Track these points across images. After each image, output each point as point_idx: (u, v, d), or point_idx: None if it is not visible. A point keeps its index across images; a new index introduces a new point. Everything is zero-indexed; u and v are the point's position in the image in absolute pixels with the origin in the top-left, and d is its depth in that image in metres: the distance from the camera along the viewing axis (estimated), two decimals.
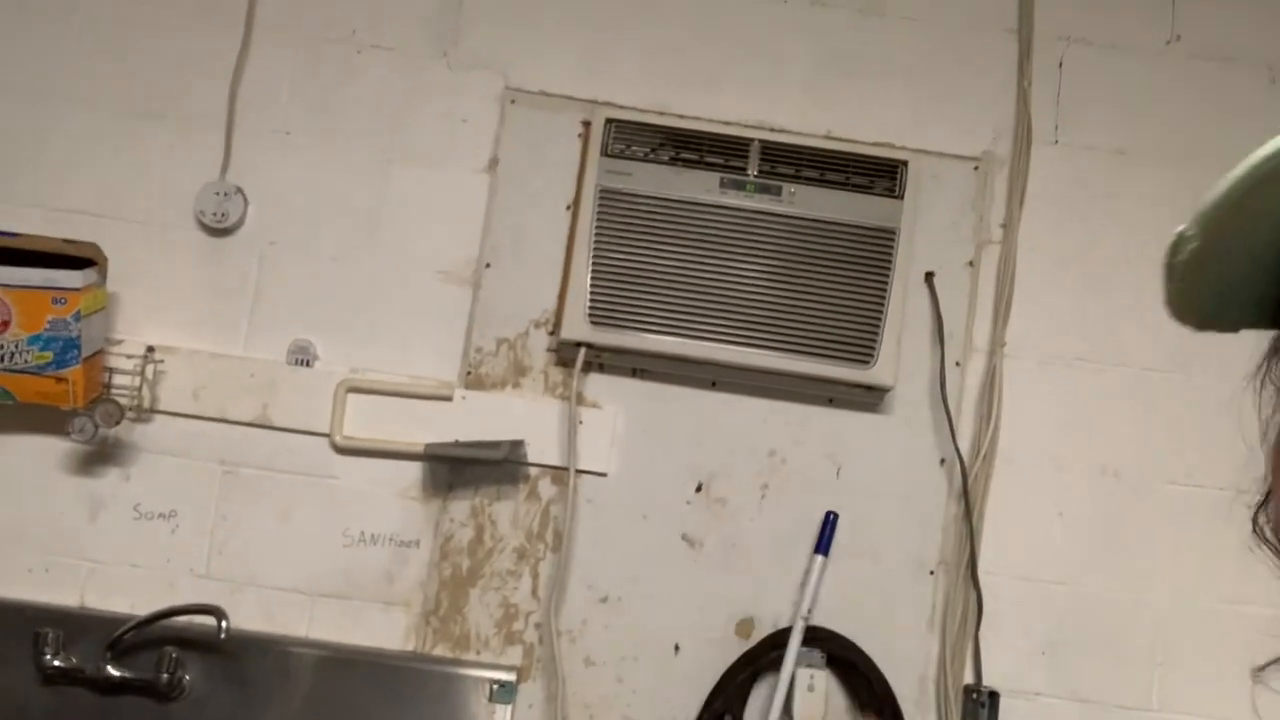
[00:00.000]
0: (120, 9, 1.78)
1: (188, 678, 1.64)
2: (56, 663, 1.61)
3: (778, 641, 1.69)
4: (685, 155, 1.69)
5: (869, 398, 1.74)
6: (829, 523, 1.72)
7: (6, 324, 1.57)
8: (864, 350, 1.67)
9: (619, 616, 1.73)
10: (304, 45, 1.79)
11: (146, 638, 1.62)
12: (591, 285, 1.67)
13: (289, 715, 1.64)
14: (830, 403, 1.76)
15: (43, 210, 1.73)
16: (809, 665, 1.66)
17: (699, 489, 1.75)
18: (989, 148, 1.81)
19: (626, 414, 1.75)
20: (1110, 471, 1.76)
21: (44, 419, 1.67)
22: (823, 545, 1.71)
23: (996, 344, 1.77)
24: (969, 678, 1.71)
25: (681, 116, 1.74)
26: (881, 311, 1.68)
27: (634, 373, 1.76)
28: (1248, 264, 0.48)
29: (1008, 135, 1.81)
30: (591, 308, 1.67)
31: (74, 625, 1.64)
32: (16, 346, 1.58)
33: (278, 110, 1.78)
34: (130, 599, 1.68)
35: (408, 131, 1.78)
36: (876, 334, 1.67)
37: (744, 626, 1.73)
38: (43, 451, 1.71)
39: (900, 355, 1.69)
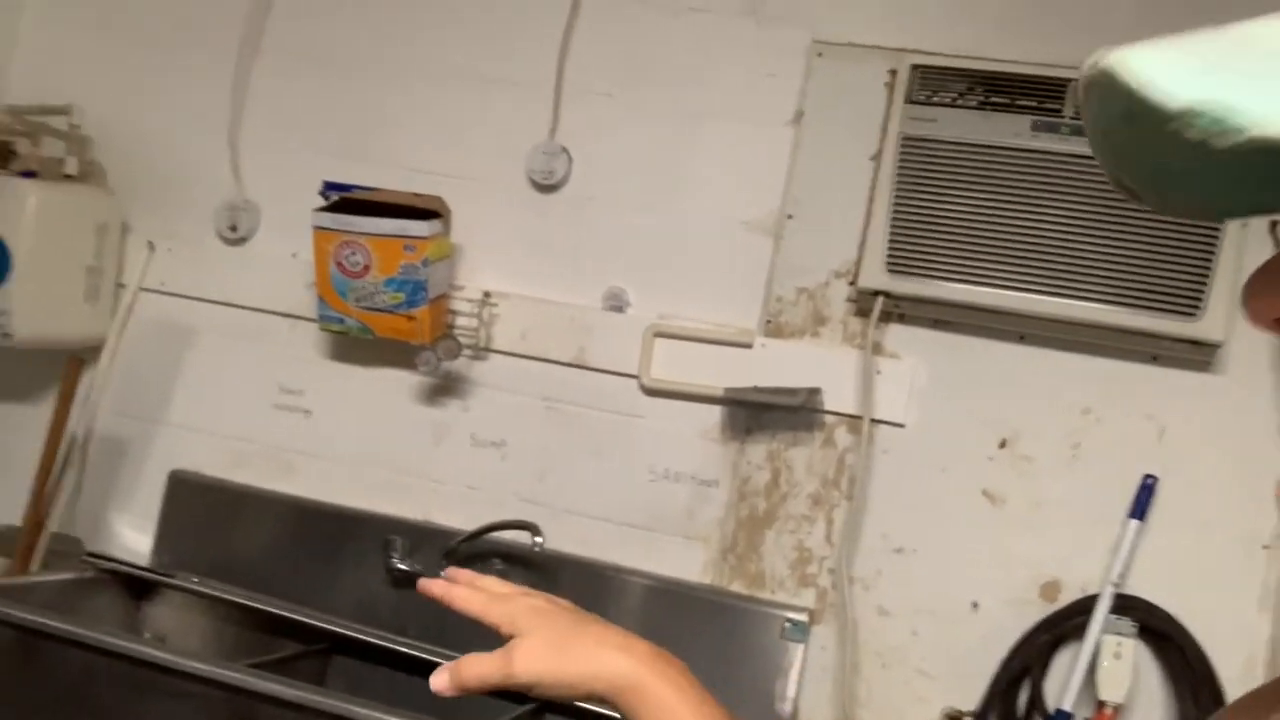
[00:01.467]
0: None
1: None
2: (402, 566, 1.84)
3: (1084, 607, 1.62)
4: (994, 99, 1.64)
5: (1197, 354, 1.61)
6: (1146, 487, 1.62)
7: (367, 268, 1.80)
8: (1189, 301, 1.55)
9: (914, 569, 1.72)
10: (625, 10, 1.89)
11: (477, 549, 1.81)
12: (891, 233, 1.66)
13: None
14: (1154, 360, 1.65)
15: (395, 169, 1.95)
16: (1117, 633, 1.57)
17: (1002, 445, 1.70)
18: None
19: (927, 366, 1.73)
20: None
21: (396, 354, 1.90)
22: (1138, 510, 1.61)
23: None
24: None
25: (990, 60, 1.68)
26: (1212, 260, 1.54)
27: (935, 324, 1.73)
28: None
29: None
30: (890, 256, 1.66)
31: (417, 535, 1.87)
32: (375, 288, 1.81)
33: (601, 74, 1.90)
34: (465, 516, 1.88)
35: (716, 88, 1.84)
36: (1205, 283, 1.54)
37: (1049, 590, 1.67)
38: (396, 383, 1.95)
39: (1234, 309, 1.55)
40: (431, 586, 0.72)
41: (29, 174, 1.90)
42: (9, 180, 1.88)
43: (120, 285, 2.04)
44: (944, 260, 1.64)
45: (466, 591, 0.70)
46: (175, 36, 2.09)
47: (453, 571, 0.74)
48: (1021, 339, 1.70)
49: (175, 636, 1.91)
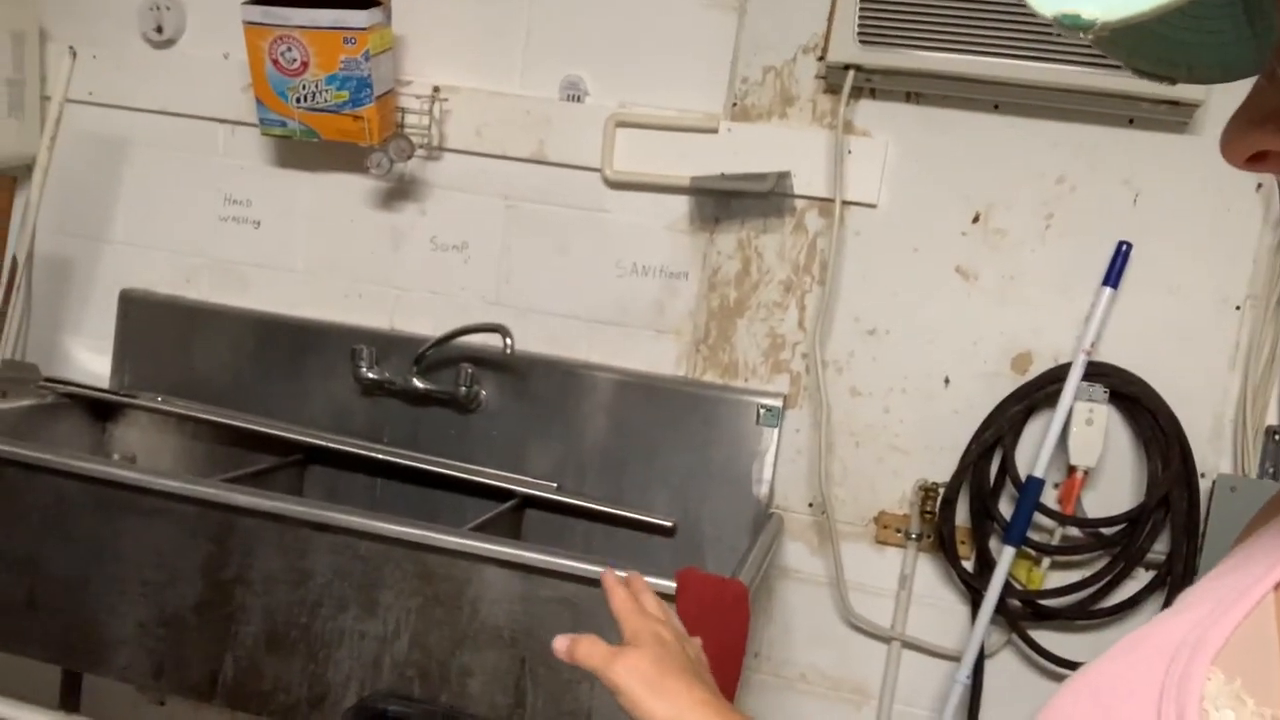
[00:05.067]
0: None
1: (483, 393, 1.80)
2: (371, 375, 1.81)
3: (1056, 375, 1.62)
4: None
5: (1175, 115, 1.56)
6: (1120, 253, 1.60)
7: (305, 65, 1.69)
8: None
9: (887, 349, 1.71)
10: None
11: (446, 355, 1.78)
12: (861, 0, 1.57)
13: (572, 428, 1.77)
14: (1130, 124, 1.60)
15: None
16: (1089, 399, 1.59)
17: (976, 219, 1.67)
18: None
19: (899, 142, 1.68)
20: None
21: (346, 158, 1.82)
22: (1112, 277, 1.60)
23: None
24: (1272, 419, 1.58)
25: None
26: None
27: (908, 97, 1.66)
28: None
29: None
30: (861, 25, 1.57)
31: (384, 343, 1.83)
32: (316, 87, 1.70)
33: None
34: (431, 322, 1.84)
35: None
36: None
37: (1021, 361, 1.67)
38: (348, 188, 1.87)
39: None
40: (607, 578, 0.83)
41: None
42: None
43: (45, 98, 1.92)
44: (917, 27, 1.56)
45: (624, 596, 0.80)
46: None
47: (631, 576, 0.86)
48: (996, 108, 1.64)
49: (145, 457, 1.89)
